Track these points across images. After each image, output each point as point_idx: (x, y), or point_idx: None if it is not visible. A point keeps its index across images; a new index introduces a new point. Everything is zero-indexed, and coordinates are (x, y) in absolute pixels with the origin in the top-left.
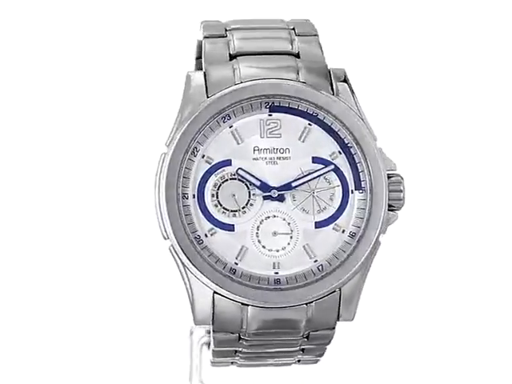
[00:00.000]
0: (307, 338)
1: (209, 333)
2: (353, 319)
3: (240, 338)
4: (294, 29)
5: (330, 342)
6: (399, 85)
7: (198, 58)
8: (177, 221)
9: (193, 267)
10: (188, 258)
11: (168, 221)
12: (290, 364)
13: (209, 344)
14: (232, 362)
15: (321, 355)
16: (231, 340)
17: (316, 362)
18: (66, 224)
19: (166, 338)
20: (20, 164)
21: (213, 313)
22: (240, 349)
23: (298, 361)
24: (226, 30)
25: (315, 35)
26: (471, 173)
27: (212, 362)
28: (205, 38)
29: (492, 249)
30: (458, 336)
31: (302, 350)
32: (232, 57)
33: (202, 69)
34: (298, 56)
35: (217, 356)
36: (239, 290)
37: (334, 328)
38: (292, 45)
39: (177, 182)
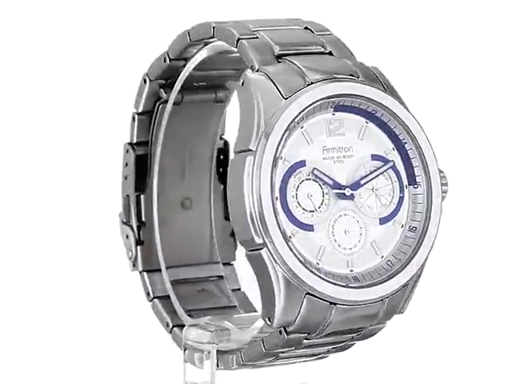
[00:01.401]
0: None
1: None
2: (403, 312)
3: (305, 339)
4: (308, 28)
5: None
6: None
7: None
8: (273, 221)
9: (289, 268)
10: (283, 258)
11: (268, 225)
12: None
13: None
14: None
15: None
16: (296, 341)
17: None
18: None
19: None
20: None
21: (298, 313)
22: (287, 349)
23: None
24: (253, 31)
25: (331, 34)
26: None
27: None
28: (240, 38)
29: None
30: (463, 335)
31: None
32: (276, 57)
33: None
34: (331, 55)
35: (254, 360)
36: (330, 290)
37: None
38: (323, 45)
39: (271, 185)
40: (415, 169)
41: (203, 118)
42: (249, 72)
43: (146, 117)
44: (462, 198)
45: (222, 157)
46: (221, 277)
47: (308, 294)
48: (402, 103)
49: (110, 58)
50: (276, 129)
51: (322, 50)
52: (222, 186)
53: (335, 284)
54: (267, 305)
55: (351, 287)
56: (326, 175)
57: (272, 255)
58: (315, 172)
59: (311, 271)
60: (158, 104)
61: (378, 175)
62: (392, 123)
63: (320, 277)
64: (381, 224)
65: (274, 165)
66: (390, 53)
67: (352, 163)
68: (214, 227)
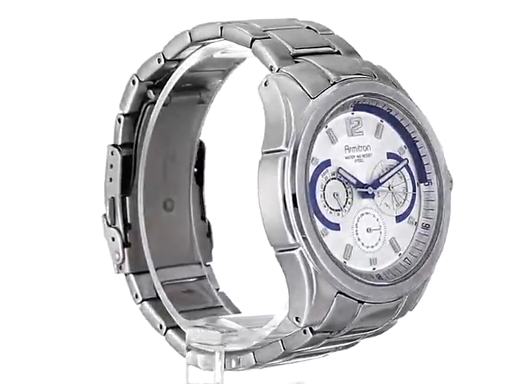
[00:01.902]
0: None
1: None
2: (413, 309)
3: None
4: (310, 28)
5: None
6: None
7: None
8: (309, 221)
9: (325, 267)
10: (318, 258)
11: (304, 224)
12: None
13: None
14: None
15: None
16: (319, 340)
17: None
18: None
19: None
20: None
21: (327, 313)
22: (306, 348)
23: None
24: (264, 31)
25: (333, 33)
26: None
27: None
28: (255, 39)
29: None
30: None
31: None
32: (292, 57)
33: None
34: (339, 54)
35: (269, 360)
36: (359, 288)
37: None
38: (329, 44)
39: (305, 184)
40: (426, 167)
41: (187, 119)
42: (272, 74)
43: (132, 118)
44: (462, 196)
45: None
46: (204, 277)
47: (339, 292)
48: (413, 101)
49: (88, 61)
50: (307, 129)
51: (331, 49)
52: (198, 187)
53: (363, 282)
54: (296, 305)
55: (376, 285)
56: (350, 174)
57: (306, 255)
58: (340, 171)
59: (343, 270)
60: (145, 105)
61: (394, 173)
62: (405, 122)
63: (351, 275)
64: (397, 222)
65: (307, 164)
66: (379, 52)
67: (370, 162)
68: (194, 228)
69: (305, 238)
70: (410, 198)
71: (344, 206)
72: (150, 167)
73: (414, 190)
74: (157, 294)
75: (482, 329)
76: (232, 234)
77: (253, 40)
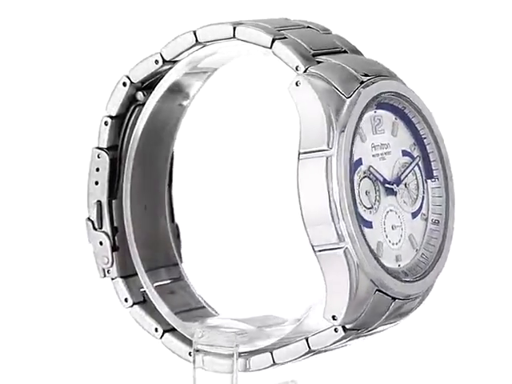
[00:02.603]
0: None
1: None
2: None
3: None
4: (310, 27)
5: None
6: None
7: None
8: (355, 220)
9: (368, 265)
10: (363, 256)
11: (351, 222)
12: None
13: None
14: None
15: None
16: (347, 337)
17: None
18: None
19: None
20: None
21: (363, 310)
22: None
23: None
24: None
25: (331, 32)
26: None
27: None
28: (275, 39)
29: None
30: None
31: None
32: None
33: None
34: (347, 52)
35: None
36: (394, 285)
37: None
38: (335, 44)
39: (350, 184)
40: (433, 163)
41: (168, 122)
42: (302, 74)
43: (118, 120)
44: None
45: None
46: (182, 278)
47: (377, 290)
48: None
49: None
50: (348, 128)
51: (339, 49)
52: (168, 189)
53: (397, 279)
54: (334, 303)
55: (405, 281)
56: (378, 172)
57: (351, 254)
58: (371, 169)
59: (382, 267)
60: (133, 107)
61: (411, 170)
62: (416, 119)
63: (389, 273)
64: (413, 218)
65: (350, 164)
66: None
67: (390, 160)
68: (170, 230)
69: (351, 237)
70: (421, 194)
71: (374, 204)
72: (135, 170)
73: (423, 187)
74: (144, 297)
75: (482, 329)
76: (199, 236)
77: (273, 40)
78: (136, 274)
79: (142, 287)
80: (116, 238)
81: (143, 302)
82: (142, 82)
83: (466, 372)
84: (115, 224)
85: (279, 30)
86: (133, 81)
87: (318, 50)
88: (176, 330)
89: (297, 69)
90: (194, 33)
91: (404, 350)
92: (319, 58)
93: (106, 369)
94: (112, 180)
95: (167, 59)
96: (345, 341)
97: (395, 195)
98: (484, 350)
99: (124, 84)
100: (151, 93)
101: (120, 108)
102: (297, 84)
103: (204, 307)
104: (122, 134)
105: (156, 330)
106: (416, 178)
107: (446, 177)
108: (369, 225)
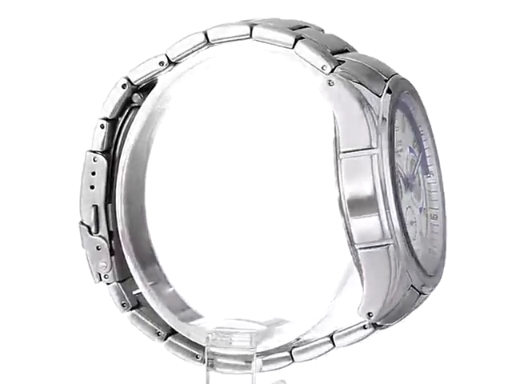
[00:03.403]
0: None
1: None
2: None
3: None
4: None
5: None
6: None
7: None
8: (400, 218)
9: (410, 262)
10: (406, 253)
11: (397, 218)
12: None
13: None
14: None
15: None
16: (368, 334)
17: None
18: None
19: None
20: None
21: (395, 306)
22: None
23: None
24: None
25: (324, 32)
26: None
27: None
28: (298, 39)
29: None
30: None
31: None
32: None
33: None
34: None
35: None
36: (423, 280)
37: None
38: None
39: (394, 181)
40: (428, 159)
41: (152, 124)
42: (334, 74)
43: (113, 123)
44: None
45: None
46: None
47: (412, 286)
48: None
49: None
50: (388, 126)
51: (345, 48)
52: None
53: (425, 274)
54: (371, 300)
55: (427, 276)
56: (401, 168)
57: (396, 251)
58: (396, 166)
59: (417, 263)
60: (128, 109)
61: (418, 166)
62: (418, 116)
63: (422, 269)
64: (420, 213)
65: (393, 161)
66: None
67: (403, 156)
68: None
69: (397, 234)
70: (422, 190)
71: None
72: (129, 173)
73: (424, 182)
74: (138, 301)
75: (481, 329)
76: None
77: (296, 40)
78: (129, 278)
79: (135, 291)
80: (113, 242)
81: (142, 305)
82: (140, 84)
83: (466, 372)
84: (111, 228)
85: (293, 30)
86: (133, 82)
87: (334, 49)
88: (177, 332)
89: (323, 68)
90: (205, 33)
91: (404, 350)
92: (338, 57)
93: (105, 372)
94: (108, 184)
95: (173, 61)
96: (370, 337)
97: (411, 191)
98: (484, 349)
99: (123, 86)
100: (147, 95)
101: (116, 110)
102: (330, 83)
103: (189, 308)
104: (115, 136)
105: (158, 333)
106: (419, 174)
107: (439, 172)
108: None
